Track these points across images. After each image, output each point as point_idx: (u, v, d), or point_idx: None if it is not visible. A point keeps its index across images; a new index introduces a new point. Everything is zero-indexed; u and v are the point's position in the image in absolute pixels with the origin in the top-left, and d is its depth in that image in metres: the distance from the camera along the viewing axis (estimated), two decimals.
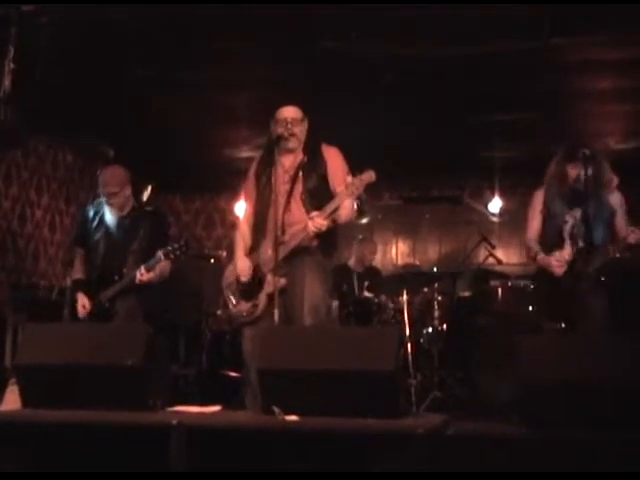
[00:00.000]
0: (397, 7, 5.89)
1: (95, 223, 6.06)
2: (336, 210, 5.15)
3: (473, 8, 5.86)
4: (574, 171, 5.58)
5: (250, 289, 5.32)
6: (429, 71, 7.06)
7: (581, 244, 5.50)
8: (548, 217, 5.75)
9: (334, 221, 5.18)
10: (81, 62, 6.97)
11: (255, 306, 5.26)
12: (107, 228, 6.02)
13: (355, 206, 5.38)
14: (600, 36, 6.41)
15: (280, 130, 5.33)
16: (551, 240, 5.69)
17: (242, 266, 5.37)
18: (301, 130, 5.41)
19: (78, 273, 6.10)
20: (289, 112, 5.40)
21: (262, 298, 5.23)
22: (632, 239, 5.42)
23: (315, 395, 4.24)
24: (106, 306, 5.84)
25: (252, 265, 5.33)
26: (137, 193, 6.16)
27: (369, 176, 5.08)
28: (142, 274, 5.71)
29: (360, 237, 8.96)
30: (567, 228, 5.60)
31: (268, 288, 5.18)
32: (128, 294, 5.84)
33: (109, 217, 6.02)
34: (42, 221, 9.40)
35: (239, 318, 5.38)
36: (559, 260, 5.55)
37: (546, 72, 7.09)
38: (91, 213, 6.13)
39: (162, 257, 5.69)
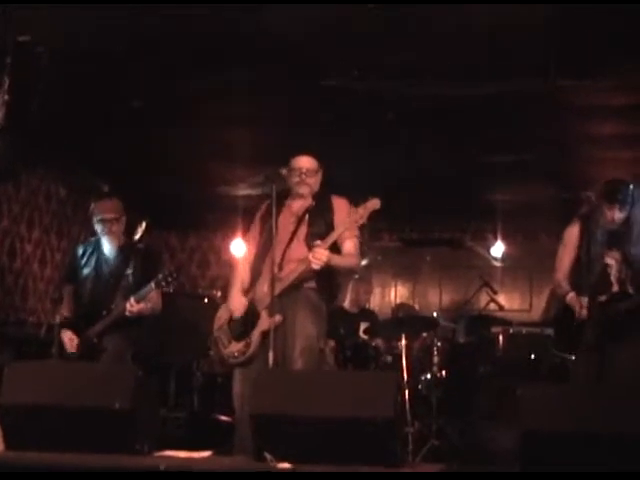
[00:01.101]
0: (399, 48, 5.84)
1: (85, 259, 6.00)
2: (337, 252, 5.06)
3: (480, 48, 5.78)
4: (611, 213, 5.35)
5: (242, 329, 5.21)
6: (432, 111, 7.01)
7: (630, 290, 5.27)
8: (585, 257, 5.48)
9: (336, 263, 5.09)
10: (76, 94, 6.93)
11: (247, 345, 5.14)
12: (97, 264, 5.96)
13: (359, 257, 5.31)
14: (604, 81, 6.40)
15: (295, 179, 5.32)
16: (595, 283, 5.37)
17: (237, 302, 5.29)
18: (315, 181, 5.39)
19: (66, 310, 6.01)
20: (304, 162, 5.37)
21: (255, 337, 5.11)
22: None
23: (309, 442, 4.17)
24: (94, 342, 5.72)
25: (246, 303, 5.22)
26: (131, 230, 6.06)
27: (374, 204, 5.03)
28: (132, 305, 5.61)
29: (356, 277, 8.79)
30: (613, 272, 5.33)
31: (262, 325, 5.07)
32: (116, 332, 5.74)
33: (101, 252, 5.96)
34: (32, 256, 9.28)
35: (230, 359, 5.25)
36: (584, 306, 5.28)
37: (550, 115, 7.06)
38: (81, 250, 6.08)
39: (153, 287, 5.58)
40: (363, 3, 5.26)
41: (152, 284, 5.58)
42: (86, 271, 5.95)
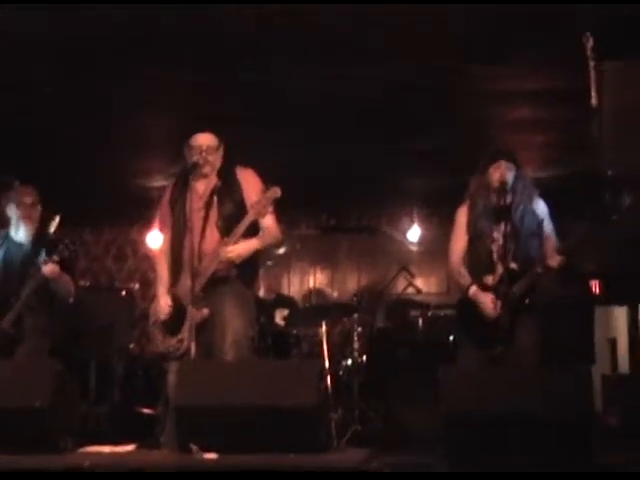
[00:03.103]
0: (315, 31, 5.81)
1: None
2: (255, 231, 5.07)
3: (391, 32, 5.80)
4: (497, 172, 5.36)
5: (174, 324, 5.14)
6: (348, 96, 6.98)
7: (513, 265, 5.23)
8: (474, 237, 5.46)
9: (256, 247, 5.09)
10: None
11: (180, 341, 5.08)
12: (6, 255, 5.80)
13: (278, 228, 5.26)
14: (517, 66, 6.43)
15: (195, 158, 5.21)
16: (480, 264, 5.40)
17: (161, 304, 5.21)
18: (216, 157, 5.29)
19: None
20: (204, 139, 5.27)
21: (186, 332, 5.03)
22: (554, 263, 5.21)
23: (234, 432, 4.20)
24: (9, 333, 5.55)
25: (172, 300, 5.17)
26: (43, 225, 5.93)
27: (274, 192, 5.00)
28: (46, 262, 5.47)
29: (269, 263, 8.70)
30: (496, 249, 5.34)
31: (191, 320, 4.99)
32: (32, 322, 5.59)
33: (11, 243, 5.82)
34: None
35: (167, 355, 5.19)
36: (493, 302, 5.25)
37: (464, 100, 7.08)
38: None
39: (56, 258, 5.47)
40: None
41: (54, 256, 5.46)
42: None
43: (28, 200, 5.78)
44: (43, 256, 5.51)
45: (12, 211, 5.83)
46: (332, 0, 5.36)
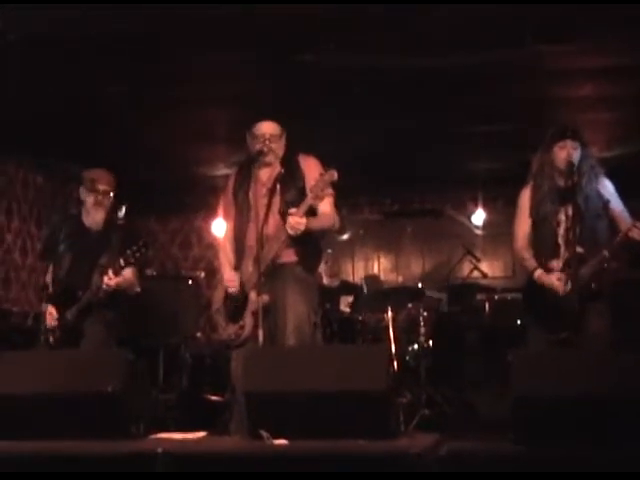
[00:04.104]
0: (377, 17, 5.78)
1: (62, 236, 5.82)
2: (312, 215, 5.04)
3: (454, 17, 5.76)
4: (562, 152, 5.19)
5: (236, 310, 5.15)
6: (411, 82, 6.98)
7: (579, 248, 5.07)
8: (538, 219, 5.31)
9: (313, 226, 5.05)
10: (51, 80, 6.84)
11: (242, 327, 5.10)
12: (75, 241, 5.78)
13: (335, 214, 5.25)
14: (582, 43, 6.35)
15: (258, 146, 5.21)
16: (545, 247, 5.26)
17: (229, 277, 5.20)
18: (279, 145, 5.28)
19: (47, 283, 5.86)
20: (267, 127, 5.26)
21: (247, 318, 5.07)
22: (636, 234, 4.97)
23: (304, 418, 4.16)
24: (72, 326, 5.58)
25: (239, 278, 5.16)
26: (113, 212, 5.96)
27: (330, 174, 4.97)
28: (110, 277, 5.46)
29: (329, 251, 8.68)
30: (561, 232, 5.21)
31: (252, 307, 5.02)
32: (94, 317, 5.59)
33: (80, 228, 5.80)
34: (13, 245, 9.21)
35: (229, 342, 5.20)
36: (560, 279, 5.13)
37: (528, 81, 7.03)
38: (59, 226, 5.93)
39: (122, 263, 5.45)
40: None
41: (121, 261, 5.44)
42: (63, 248, 5.78)
43: (105, 187, 5.74)
44: (112, 269, 5.47)
45: (85, 195, 5.78)
46: None
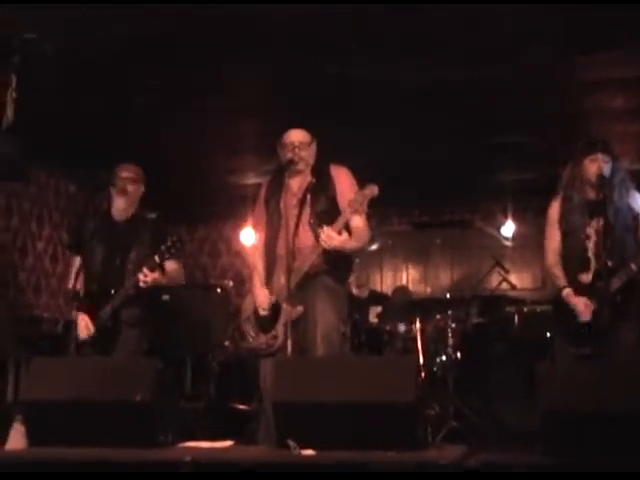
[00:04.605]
0: (404, 30, 5.83)
1: (91, 229, 5.74)
2: (346, 231, 5.02)
3: (486, 28, 5.76)
4: (593, 165, 5.18)
5: (268, 320, 5.15)
6: (441, 92, 6.97)
7: (610, 263, 5.02)
8: (567, 232, 5.30)
9: (347, 241, 5.02)
10: (83, 90, 6.91)
11: (274, 338, 5.09)
12: (104, 235, 5.70)
13: (368, 229, 5.23)
14: (613, 54, 6.32)
15: (288, 155, 5.21)
16: (575, 260, 5.25)
17: (261, 298, 5.20)
18: (309, 153, 5.28)
19: (76, 283, 5.61)
20: (297, 135, 5.27)
21: (280, 329, 5.06)
22: None
23: (332, 428, 4.18)
24: (108, 325, 5.52)
25: (270, 297, 5.16)
26: (143, 208, 5.91)
27: (371, 190, 4.95)
28: (145, 274, 5.37)
29: (357, 261, 8.65)
30: (591, 246, 5.19)
31: (285, 317, 5.01)
32: (130, 321, 5.54)
33: (110, 223, 5.73)
34: (43, 253, 9.29)
35: (259, 351, 5.20)
36: (587, 305, 5.11)
37: (559, 92, 7.01)
38: (86, 219, 5.88)
39: (157, 260, 5.38)
40: None
41: (155, 257, 5.37)
42: (94, 242, 5.68)
43: (125, 174, 5.69)
44: (147, 265, 5.40)
45: (112, 188, 5.70)
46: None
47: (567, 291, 5.22)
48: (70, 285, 5.68)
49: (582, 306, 5.14)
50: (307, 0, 5.43)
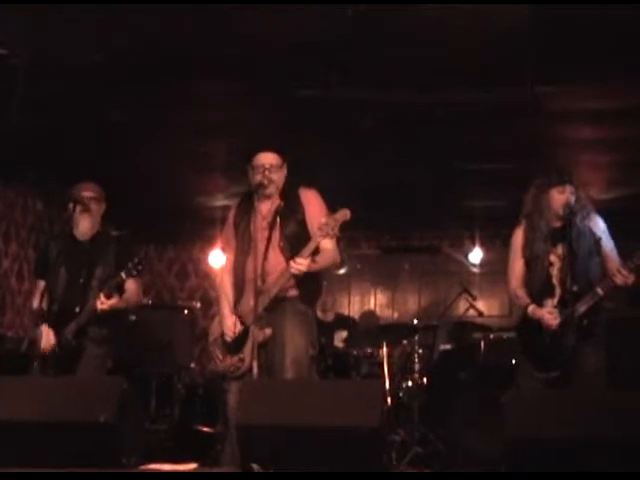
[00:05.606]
0: (376, 57, 5.84)
1: (56, 253, 5.71)
2: (315, 252, 5.01)
3: (456, 55, 5.79)
4: (561, 197, 5.25)
5: (236, 343, 5.12)
6: (410, 118, 7.01)
7: (575, 288, 5.07)
8: (531, 259, 5.35)
9: (315, 262, 5.01)
10: (53, 107, 6.86)
11: (242, 360, 5.07)
12: (67, 257, 5.69)
13: (337, 251, 5.23)
14: (583, 86, 6.40)
15: (258, 177, 5.19)
16: (539, 287, 5.30)
17: (227, 324, 5.17)
18: (279, 176, 5.27)
19: (40, 304, 5.66)
20: (267, 158, 5.24)
21: (247, 351, 5.03)
22: (619, 279, 5.06)
23: (296, 451, 4.12)
24: (72, 343, 5.50)
25: (237, 319, 5.14)
26: (106, 226, 5.90)
27: (343, 214, 4.95)
28: (102, 302, 5.38)
29: (325, 284, 8.62)
30: (555, 272, 5.25)
31: (253, 340, 4.99)
32: (94, 339, 5.53)
33: (73, 245, 5.72)
34: (9, 270, 9.20)
35: (226, 374, 5.18)
36: (551, 313, 5.18)
37: (528, 121, 7.04)
38: (51, 243, 5.85)
39: (124, 276, 5.38)
40: (350, 3, 5.22)
41: (122, 274, 5.37)
42: (57, 263, 5.67)
43: (89, 194, 5.69)
44: (104, 291, 5.39)
45: (72, 207, 5.67)
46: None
47: (532, 307, 5.27)
48: (35, 305, 5.71)
49: (547, 315, 5.18)
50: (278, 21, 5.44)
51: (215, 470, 4.92)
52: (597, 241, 5.22)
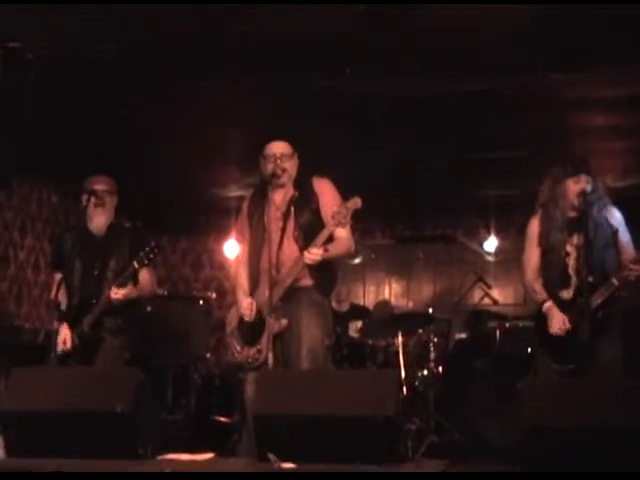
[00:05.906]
0: (391, 43, 5.81)
1: (70, 243, 5.78)
2: (329, 241, 5.02)
3: (470, 44, 5.78)
4: (577, 186, 5.20)
5: (252, 334, 5.13)
6: (424, 108, 6.98)
7: (590, 278, 5.04)
8: (547, 249, 5.31)
9: (327, 251, 5.01)
10: (66, 100, 6.86)
11: (259, 351, 5.07)
12: (82, 249, 5.74)
13: (352, 239, 5.24)
14: (596, 73, 6.36)
15: (270, 167, 5.21)
16: (555, 277, 5.26)
17: (245, 305, 5.17)
18: (291, 165, 5.28)
19: (57, 297, 5.76)
20: (278, 147, 5.27)
21: (264, 342, 5.02)
22: (634, 273, 5.02)
23: (312, 441, 4.16)
24: (90, 334, 5.53)
25: (253, 300, 5.15)
26: (120, 219, 5.93)
27: (355, 202, 4.97)
28: (115, 292, 5.44)
29: (339, 274, 8.60)
30: (571, 262, 5.22)
31: (269, 330, 4.99)
32: (111, 330, 5.57)
33: (87, 237, 5.76)
34: (26, 263, 9.25)
35: (245, 365, 5.18)
36: (565, 322, 5.11)
37: (542, 109, 7.02)
38: (65, 235, 5.90)
39: (136, 266, 5.41)
40: (353, 3, 5.23)
41: (134, 263, 5.40)
42: (73, 256, 5.72)
43: (102, 187, 5.72)
44: (117, 282, 5.46)
45: (85, 201, 5.73)
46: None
47: (548, 304, 5.23)
48: (52, 296, 5.78)
49: (558, 320, 5.14)
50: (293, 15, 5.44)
51: (232, 460, 4.94)
52: (614, 232, 5.18)
